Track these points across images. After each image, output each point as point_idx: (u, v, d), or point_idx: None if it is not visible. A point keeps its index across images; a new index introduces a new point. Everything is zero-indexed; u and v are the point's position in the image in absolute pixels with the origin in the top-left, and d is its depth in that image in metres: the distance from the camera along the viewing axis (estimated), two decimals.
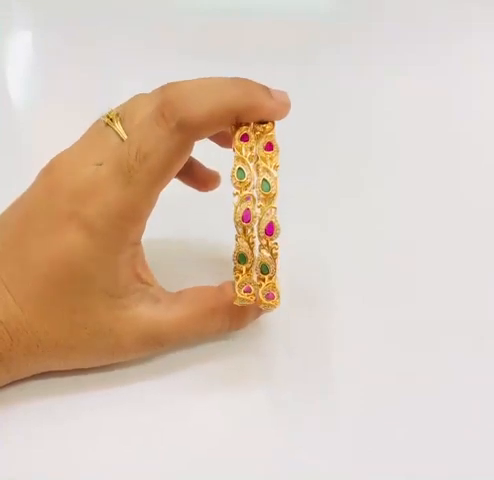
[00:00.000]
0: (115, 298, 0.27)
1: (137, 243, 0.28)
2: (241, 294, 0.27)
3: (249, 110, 0.26)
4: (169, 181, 0.27)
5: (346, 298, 0.33)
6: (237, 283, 0.27)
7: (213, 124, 0.26)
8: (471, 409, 0.29)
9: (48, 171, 0.28)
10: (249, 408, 0.28)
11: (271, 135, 0.27)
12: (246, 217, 0.26)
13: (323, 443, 0.27)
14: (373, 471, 0.27)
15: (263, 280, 0.27)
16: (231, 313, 0.29)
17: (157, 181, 0.26)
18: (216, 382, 0.29)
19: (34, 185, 0.28)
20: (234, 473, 0.26)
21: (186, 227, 0.36)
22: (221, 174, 0.33)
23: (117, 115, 0.28)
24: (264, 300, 0.27)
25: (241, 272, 0.27)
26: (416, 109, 0.46)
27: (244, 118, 0.27)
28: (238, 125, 0.27)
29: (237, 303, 0.27)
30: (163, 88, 0.27)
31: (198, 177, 0.33)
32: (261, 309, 0.29)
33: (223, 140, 0.31)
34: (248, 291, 0.27)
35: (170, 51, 0.49)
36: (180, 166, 0.27)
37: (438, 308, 0.33)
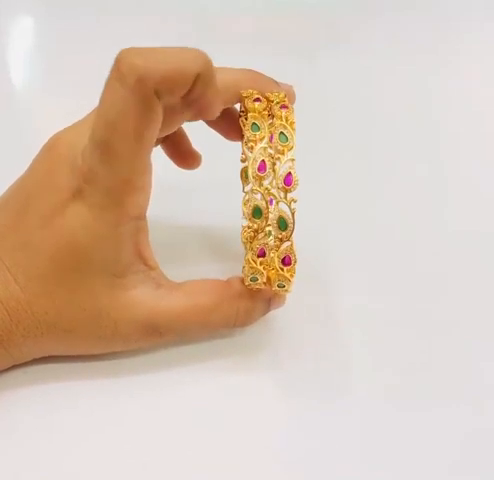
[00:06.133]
0: (116, 278, 0.27)
1: (139, 217, 0.27)
2: (253, 260, 0.26)
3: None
4: (151, 145, 0.25)
5: (353, 287, 0.33)
6: (250, 246, 0.26)
7: (179, 80, 0.24)
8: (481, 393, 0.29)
9: (48, 149, 0.27)
10: (255, 400, 0.29)
11: (285, 100, 0.27)
12: (262, 167, 0.25)
13: (333, 432, 0.28)
14: (380, 458, 0.27)
15: (280, 240, 0.26)
16: (237, 308, 0.28)
17: (135, 148, 0.25)
18: (221, 372, 0.29)
19: (34, 164, 0.28)
20: (239, 465, 0.26)
21: (192, 214, 0.36)
22: (225, 162, 0.32)
23: None
24: (279, 267, 0.26)
25: (256, 232, 0.26)
26: (416, 103, 0.46)
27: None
28: (250, 94, 0.27)
29: (246, 276, 0.27)
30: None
31: (181, 151, 0.32)
32: (268, 305, 0.29)
33: (228, 129, 0.30)
34: (262, 255, 0.26)
35: (171, 37, 0.49)
36: (154, 130, 0.25)
37: (445, 292, 0.33)
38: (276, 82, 0.29)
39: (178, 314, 0.28)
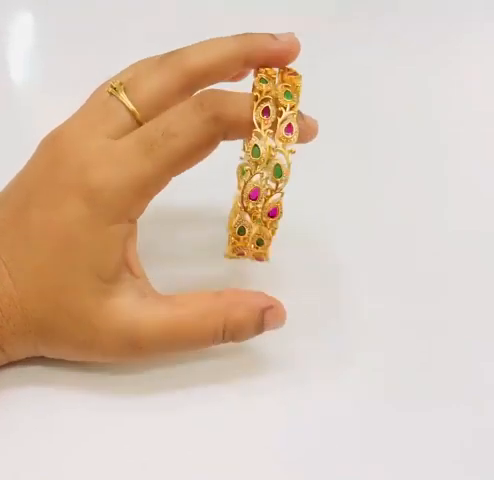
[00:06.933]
0: (103, 283, 0.26)
1: (133, 221, 0.27)
2: (233, 255, 0.27)
3: (254, 58, 0.27)
4: (185, 169, 0.27)
5: (353, 287, 0.33)
6: (232, 248, 0.27)
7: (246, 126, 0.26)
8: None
9: (50, 143, 0.27)
10: (254, 400, 0.29)
11: (294, 113, 0.27)
12: (253, 195, 0.26)
13: (333, 432, 0.28)
14: (380, 458, 0.27)
15: (256, 248, 0.27)
16: (225, 319, 0.27)
17: (176, 163, 0.26)
18: (220, 373, 0.29)
19: (35, 158, 0.28)
20: (239, 465, 0.26)
21: (189, 214, 0.36)
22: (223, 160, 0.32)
23: (121, 84, 0.27)
24: (253, 256, 0.27)
25: (238, 239, 0.27)
26: (416, 103, 0.46)
27: (253, 63, 0.27)
28: (261, 95, 0.27)
29: (226, 256, 0.27)
30: (173, 59, 0.27)
31: None
32: (262, 326, 0.28)
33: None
34: (241, 254, 0.27)
35: (172, 32, 0.49)
36: (201, 158, 0.27)
37: (445, 292, 0.33)
38: (274, 36, 0.28)
39: (161, 326, 0.26)
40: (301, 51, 0.28)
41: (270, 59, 0.28)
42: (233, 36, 0.28)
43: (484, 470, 0.27)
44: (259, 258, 0.28)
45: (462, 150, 0.42)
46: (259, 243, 0.27)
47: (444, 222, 0.37)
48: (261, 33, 0.28)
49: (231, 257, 0.28)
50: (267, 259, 0.28)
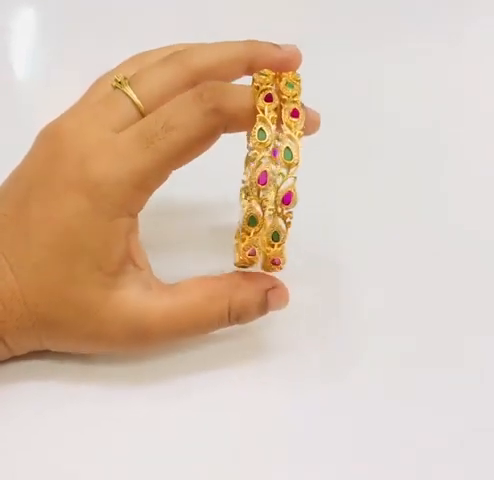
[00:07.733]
0: (107, 276, 0.26)
1: (134, 215, 0.27)
2: (244, 256, 0.26)
3: (257, 64, 0.27)
4: (185, 162, 0.27)
5: (353, 287, 0.33)
6: (242, 245, 0.26)
7: (247, 119, 0.26)
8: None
9: (49, 135, 0.27)
10: (255, 399, 0.29)
11: (297, 101, 0.27)
12: (262, 179, 0.25)
13: (334, 431, 0.28)
14: (381, 458, 0.27)
15: (272, 246, 0.26)
16: (230, 301, 0.27)
17: (176, 156, 0.26)
18: (220, 371, 0.29)
19: (33, 150, 0.28)
20: (239, 465, 0.26)
21: (186, 213, 0.36)
22: (223, 155, 0.32)
23: (125, 79, 0.27)
24: (268, 264, 0.27)
25: (248, 234, 0.26)
26: (416, 103, 0.46)
27: (255, 69, 0.27)
28: (261, 85, 0.27)
29: (236, 264, 0.27)
30: (178, 56, 0.28)
31: None
32: (267, 304, 0.28)
33: None
34: (253, 254, 0.26)
35: (172, 30, 0.49)
36: (201, 151, 0.27)
37: (445, 292, 0.33)
38: (277, 46, 0.28)
39: (167, 316, 0.27)
40: (301, 51, 0.29)
41: (272, 67, 0.28)
42: (239, 41, 0.28)
43: (484, 470, 0.27)
44: (275, 261, 0.27)
45: (462, 150, 0.42)
46: (275, 238, 0.26)
47: (444, 222, 0.37)
48: (265, 42, 0.28)
49: (242, 265, 0.27)
50: (284, 262, 0.27)
